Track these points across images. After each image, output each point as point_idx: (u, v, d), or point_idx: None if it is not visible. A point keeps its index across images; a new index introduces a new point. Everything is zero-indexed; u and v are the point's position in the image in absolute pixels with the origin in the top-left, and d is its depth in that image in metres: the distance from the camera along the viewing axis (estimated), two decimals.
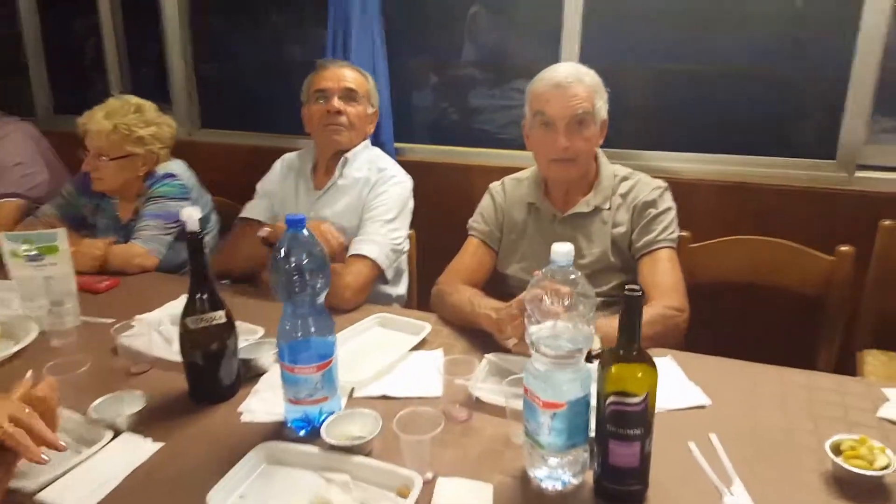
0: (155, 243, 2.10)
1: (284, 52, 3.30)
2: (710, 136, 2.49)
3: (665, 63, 2.59)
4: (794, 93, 2.44)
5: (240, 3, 3.32)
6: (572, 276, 1.04)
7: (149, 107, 2.20)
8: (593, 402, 1.06)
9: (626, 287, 1.00)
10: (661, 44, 2.55)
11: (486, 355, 1.46)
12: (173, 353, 1.53)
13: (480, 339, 1.57)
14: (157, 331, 1.59)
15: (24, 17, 3.57)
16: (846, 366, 2.05)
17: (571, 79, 1.73)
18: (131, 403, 1.29)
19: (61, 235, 1.65)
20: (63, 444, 1.04)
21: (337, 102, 1.94)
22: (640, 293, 0.99)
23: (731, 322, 2.23)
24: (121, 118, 2.10)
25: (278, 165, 2.15)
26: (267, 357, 1.46)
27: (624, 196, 1.81)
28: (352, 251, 1.87)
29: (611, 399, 1.03)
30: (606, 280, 1.79)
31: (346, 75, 1.98)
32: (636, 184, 1.82)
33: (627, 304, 1.01)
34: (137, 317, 1.71)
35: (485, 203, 1.95)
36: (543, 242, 1.83)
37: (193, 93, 3.26)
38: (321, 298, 1.22)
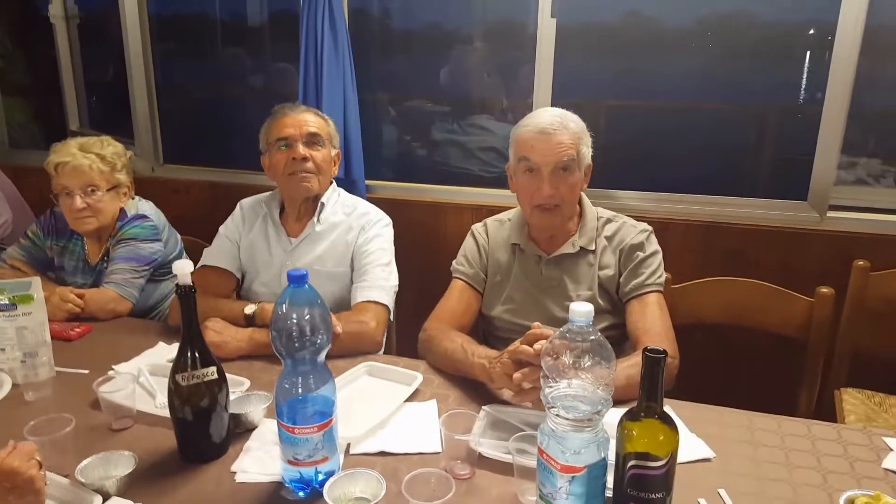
0: (128, 287, 2.02)
1: (244, 85, 3.26)
2: (680, 176, 2.54)
3: (633, 100, 2.65)
4: (765, 133, 2.51)
5: (200, 36, 3.27)
6: (592, 338, 1.02)
7: (110, 138, 2.14)
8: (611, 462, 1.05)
9: (648, 348, 0.99)
10: (630, 80, 2.60)
11: (484, 407, 1.43)
12: (156, 406, 1.47)
13: (473, 388, 1.55)
14: (138, 382, 1.52)
15: None
16: (824, 405, 2.09)
17: (557, 125, 1.73)
18: (119, 465, 1.22)
19: (35, 284, 1.57)
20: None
21: (302, 149, 1.89)
22: (663, 354, 0.98)
23: (709, 363, 2.25)
24: (101, 149, 2.03)
25: (238, 211, 2.07)
26: (257, 412, 1.41)
27: (609, 238, 1.82)
28: (361, 298, 1.84)
29: (632, 462, 1.01)
30: (595, 322, 1.78)
31: (308, 120, 1.93)
32: (621, 226, 1.83)
33: (649, 365, 1.00)
34: (115, 367, 1.65)
35: (468, 245, 1.94)
36: (529, 284, 1.84)
37: (157, 128, 3.18)
38: (322, 355, 1.18)
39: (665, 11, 2.50)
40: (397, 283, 1.93)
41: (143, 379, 1.56)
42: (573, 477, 1.02)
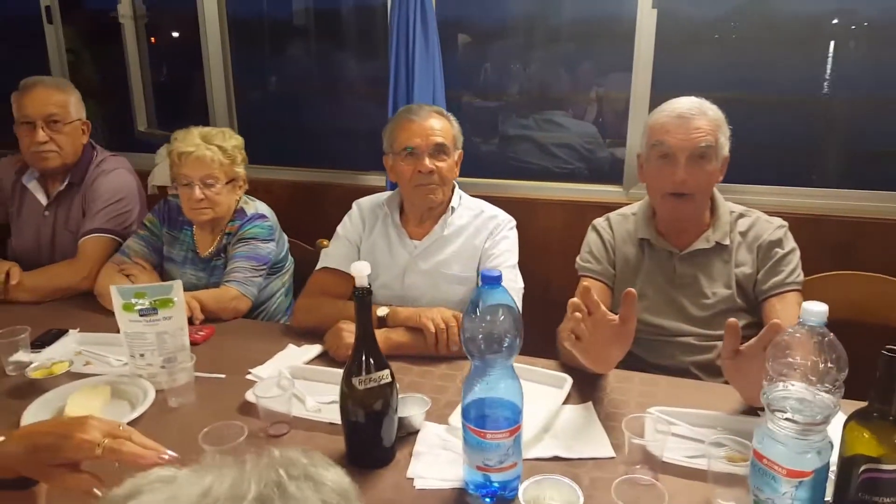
0: (249, 286, 2.02)
1: (317, 84, 3.26)
2: (788, 168, 2.49)
3: (735, 92, 2.59)
4: (877, 126, 2.46)
5: (280, 33, 3.26)
6: (827, 339, 0.98)
7: (229, 130, 2.14)
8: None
9: (887, 347, 0.95)
10: (733, 73, 2.55)
11: (650, 410, 1.39)
12: (308, 410, 1.45)
13: (624, 391, 1.51)
14: (279, 386, 1.49)
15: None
16: None
17: (695, 111, 1.69)
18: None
19: (177, 288, 1.55)
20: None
21: (428, 161, 1.84)
22: None
23: None
24: (223, 141, 2.02)
25: (356, 212, 2.04)
26: (419, 415, 1.38)
27: (744, 234, 1.77)
28: None
29: (864, 466, 0.97)
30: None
31: (434, 128, 1.87)
32: (755, 221, 1.78)
33: (886, 365, 0.96)
34: (252, 370, 1.62)
35: (591, 240, 1.90)
36: (663, 280, 1.79)
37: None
38: (513, 359, 1.14)
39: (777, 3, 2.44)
40: (523, 285, 1.89)
41: (285, 382, 1.53)
42: (800, 482, 0.98)
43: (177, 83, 3.52)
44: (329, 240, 2.31)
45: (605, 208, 2.51)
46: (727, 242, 1.76)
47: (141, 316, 1.53)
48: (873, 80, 2.47)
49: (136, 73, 3.32)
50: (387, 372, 1.25)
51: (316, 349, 1.72)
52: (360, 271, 1.22)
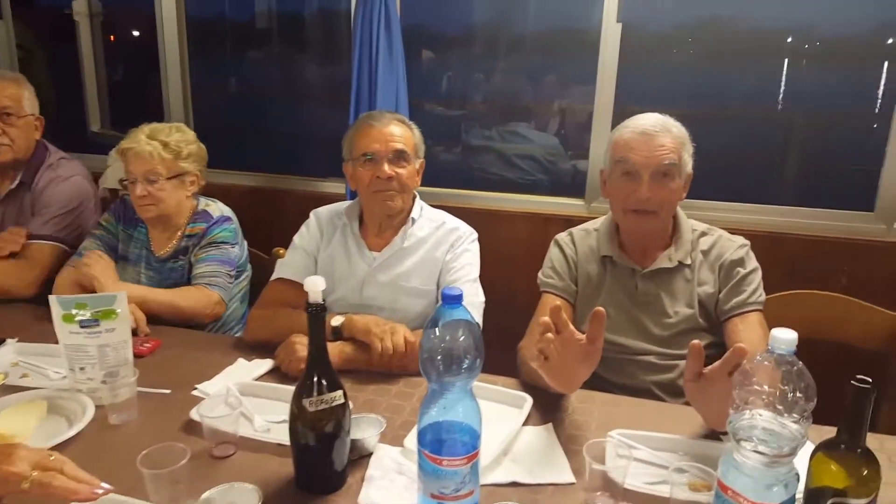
0: (227, 290, 2.00)
1: (273, 87, 3.19)
2: (742, 185, 2.51)
3: (697, 107, 2.60)
4: (831, 143, 2.49)
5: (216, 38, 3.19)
6: (796, 367, 0.95)
7: (181, 125, 2.08)
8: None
9: (857, 378, 0.93)
10: (694, 87, 2.56)
11: (611, 433, 1.35)
12: (256, 430, 1.38)
13: (586, 413, 1.48)
14: (227, 404, 1.42)
15: None
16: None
17: (658, 128, 1.67)
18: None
19: (120, 299, 1.46)
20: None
21: (387, 168, 1.79)
22: (871, 385, 0.92)
23: None
24: (166, 136, 1.96)
25: (314, 221, 1.97)
26: (373, 436, 1.32)
27: (706, 253, 1.76)
28: None
29: (832, 500, 0.95)
30: (692, 341, 1.72)
31: (395, 134, 1.81)
32: (718, 240, 1.77)
33: (856, 397, 0.94)
34: (198, 386, 1.55)
35: (554, 255, 1.87)
36: (624, 298, 1.77)
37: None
38: (473, 381, 1.10)
39: (738, 18, 2.46)
40: (484, 299, 1.85)
41: (232, 400, 1.45)
42: None
43: (132, 83, 3.41)
44: (286, 249, 2.25)
45: (567, 221, 2.51)
46: (689, 261, 1.74)
47: (82, 328, 1.44)
48: (826, 97, 2.51)
49: (90, 73, 3.20)
50: (340, 393, 1.19)
51: (267, 364, 1.66)
52: (315, 286, 1.16)
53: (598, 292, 1.79)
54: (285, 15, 3.41)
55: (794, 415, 0.94)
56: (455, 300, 1.06)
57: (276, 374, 1.63)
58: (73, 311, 1.44)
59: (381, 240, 1.89)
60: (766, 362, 0.97)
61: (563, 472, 1.27)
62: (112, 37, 3.30)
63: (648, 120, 1.70)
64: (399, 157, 1.80)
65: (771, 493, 0.95)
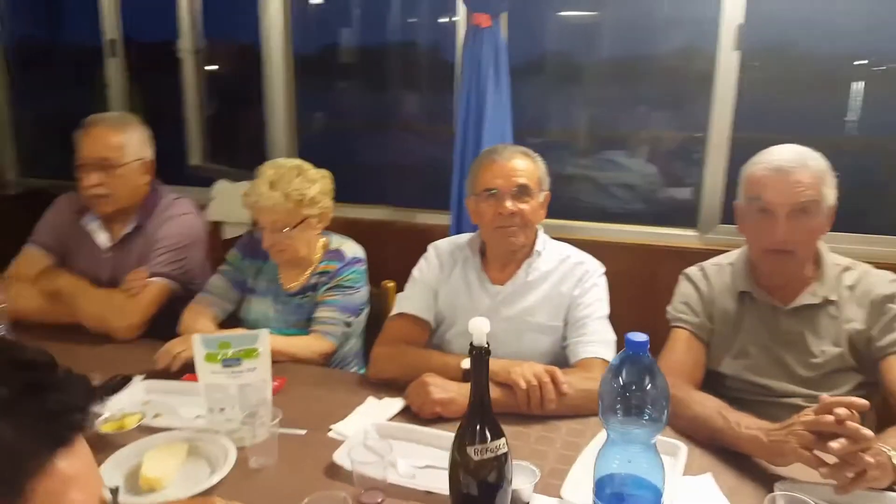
0: (339, 337, 1.99)
1: (387, 119, 3.22)
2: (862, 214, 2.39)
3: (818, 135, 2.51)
4: None
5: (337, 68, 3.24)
6: None
7: (304, 164, 2.06)
8: None
9: None
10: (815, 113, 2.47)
11: (778, 485, 1.27)
12: (401, 476, 1.34)
13: (741, 458, 1.39)
14: (372, 449, 1.38)
15: None
16: None
17: (794, 163, 1.58)
18: None
19: (262, 337, 1.46)
20: None
21: (510, 204, 1.74)
22: None
23: None
24: (287, 184, 1.95)
25: (433, 255, 1.95)
26: (528, 487, 1.26)
27: (851, 288, 1.66)
28: (585, 354, 1.71)
29: None
30: (843, 382, 1.62)
31: (517, 169, 1.78)
32: (864, 275, 1.67)
33: None
34: (333, 427, 1.52)
35: (685, 290, 1.79)
36: (766, 337, 1.67)
37: None
38: (657, 434, 1.03)
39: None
40: (616, 338, 1.78)
41: (373, 443, 1.42)
42: None
43: (228, 116, 3.49)
44: (393, 281, 2.24)
45: (678, 253, 2.44)
46: (834, 297, 1.64)
47: (224, 367, 1.43)
48: None
49: (192, 108, 3.28)
50: (503, 441, 1.14)
51: (398, 403, 1.62)
52: (479, 328, 1.12)
53: (736, 330, 1.71)
54: (377, 48, 3.46)
55: None
56: (641, 347, 1.01)
57: (406, 414, 1.59)
58: (217, 351, 1.43)
59: (503, 274, 1.85)
60: None
61: None
62: (210, 69, 3.38)
63: (784, 154, 1.61)
64: (522, 191, 1.77)
65: None
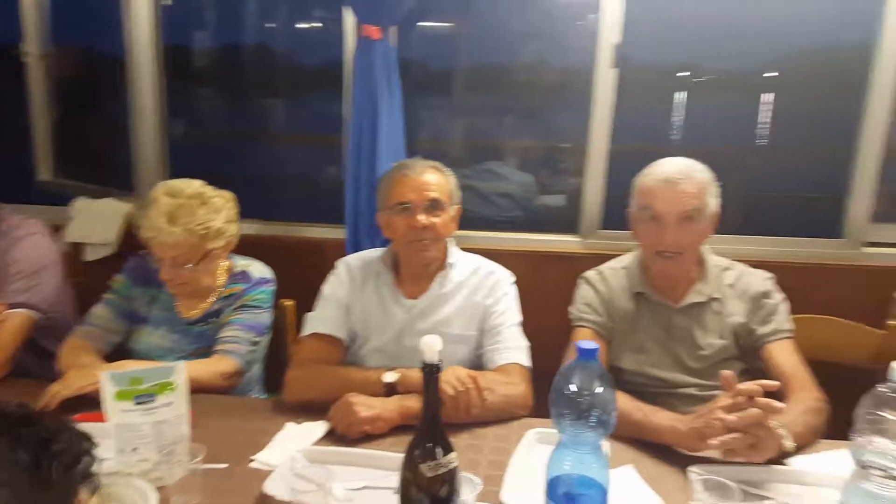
0: (247, 359, 1.87)
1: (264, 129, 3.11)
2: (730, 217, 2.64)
3: (684, 144, 2.74)
4: (800, 173, 2.67)
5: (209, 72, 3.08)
6: None
7: (206, 190, 1.90)
8: None
9: None
10: (679, 124, 2.70)
11: (692, 469, 1.38)
12: (338, 501, 1.31)
13: (649, 448, 1.50)
14: (297, 475, 1.34)
15: None
16: None
17: (681, 175, 1.74)
18: None
19: (178, 370, 1.37)
20: None
21: (422, 217, 1.77)
22: None
23: None
24: (189, 218, 1.79)
25: (343, 271, 1.92)
26: (471, 498, 1.28)
27: (732, 286, 1.84)
28: (503, 360, 1.75)
29: None
30: (729, 370, 1.77)
31: (430, 183, 1.80)
32: (742, 273, 1.86)
33: None
34: (255, 457, 1.46)
35: (586, 293, 1.90)
36: (661, 333, 1.82)
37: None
38: (605, 436, 1.09)
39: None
40: (528, 343, 1.85)
41: (301, 469, 1.38)
42: None
43: (81, 127, 3.20)
44: (291, 300, 2.17)
45: (564, 258, 2.57)
46: (718, 295, 1.82)
47: (137, 404, 1.33)
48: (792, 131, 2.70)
49: (39, 117, 2.98)
50: (455, 455, 1.15)
51: (321, 427, 1.58)
52: (431, 346, 1.13)
53: (634, 327, 1.84)
54: (241, 51, 3.32)
55: None
56: (590, 354, 1.07)
57: (331, 436, 1.55)
58: (129, 388, 1.33)
59: (417, 287, 1.86)
60: (890, 394, 1.02)
61: None
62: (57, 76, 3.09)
63: (672, 167, 1.76)
64: (435, 205, 1.79)
65: None
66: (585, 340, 1.09)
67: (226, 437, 1.54)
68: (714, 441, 1.35)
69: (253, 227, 2.78)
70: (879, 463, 1.01)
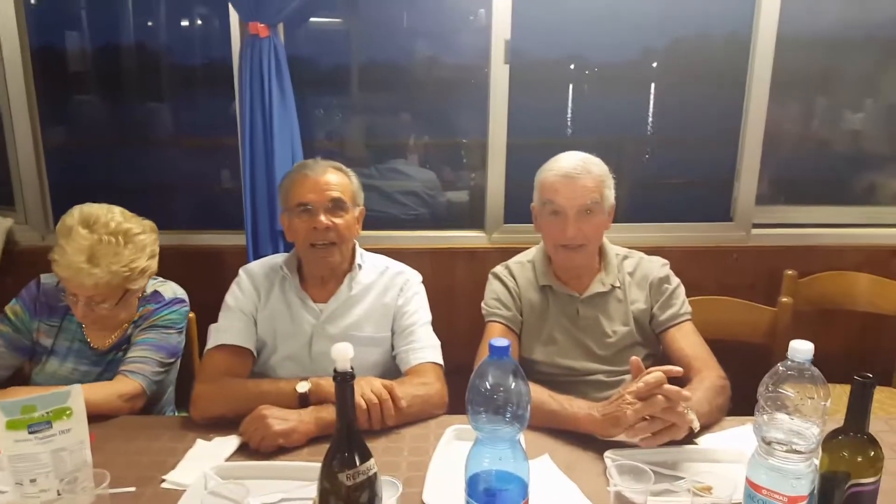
0: (153, 381, 1.75)
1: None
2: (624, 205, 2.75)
3: (579, 136, 2.82)
4: (689, 161, 2.80)
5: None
6: (814, 374, 1.08)
7: (131, 225, 1.75)
8: None
9: (860, 374, 1.08)
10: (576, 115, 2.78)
11: (607, 454, 1.43)
12: None
13: (562, 436, 1.54)
14: (212, 493, 1.30)
15: None
16: None
17: (580, 170, 1.80)
18: None
19: (75, 394, 1.28)
20: None
21: (324, 218, 1.73)
22: (872, 379, 1.07)
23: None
24: (113, 259, 1.67)
25: (245, 279, 1.85)
26: (392, 500, 1.28)
27: (631, 274, 1.91)
28: (417, 360, 1.75)
29: (851, 482, 1.09)
30: (633, 356, 1.84)
31: (330, 183, 1.76)
32: (640, 261, 1.93)
33: (859, 390, 1.08)
34: (166, 477, 1.40)
35: (496, 288, 1.92)
36: (568, 324, 1.87)
37: (46, 190, 2.73)
38: (521, 431, 1.11)
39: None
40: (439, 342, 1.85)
41: (215, 486, 1.33)
42: None
43: None
44: (191, 312, 2.09)
45: (470, 253, 2.60)
46: (619, 284, 1.89)
47: (31, 433, 1.24)
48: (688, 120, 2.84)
49: None
50: (373, 461, 1.14)
51: (233, 442, 1.52)
52: (343, 354, 1.10)
53: (542, 319, 1.88)
54: (117, 52, 3.13)
55: (817, 415, 1.07)
56: (503, 351, 1.08)
57: (244, 451, 1.51)
58: (21, 417, 1.24)
59: (325, 291, 1.83)
60: (789, 371, 1.09)
61: (576, 500, 1.31)
62: None
63: (570, 162, 1.82)
64: (337, 206, 1.76)
65: (801, 486, 1.07)
66: (498, 338, 1.09)
67: (131, 460, 1.47)
68: (628, 428, 1.40)
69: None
70: (781, 438, 1.08)
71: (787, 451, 1.07)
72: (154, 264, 1.80)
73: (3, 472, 1.27)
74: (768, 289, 2.53)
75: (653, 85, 2.91)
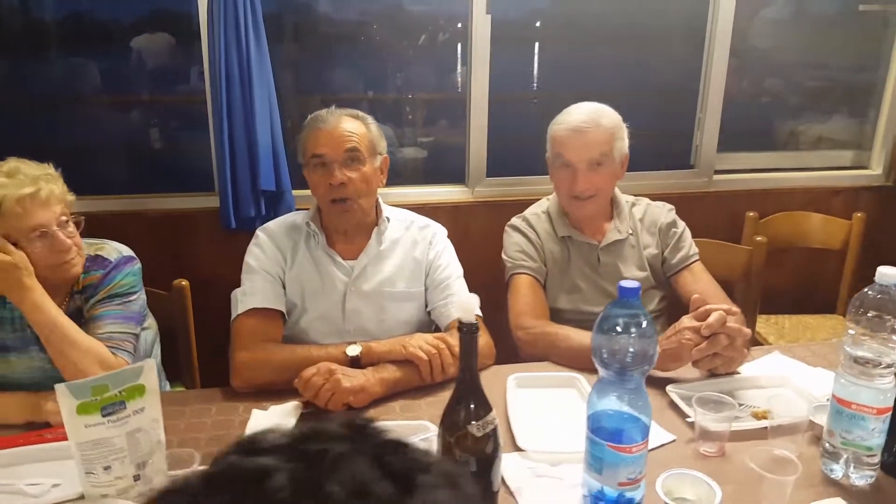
0: (130, 353, 1.56)
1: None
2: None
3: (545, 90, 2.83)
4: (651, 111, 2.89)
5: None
6: None
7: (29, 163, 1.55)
8: None
9: None
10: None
11: (669, 388, 1.49)
12: None
13: None
14: None
15: None
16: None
17: (590, 123, 1.82)
18: None
19: (147, 370, 1.17)
20: None
21: (339, 173, 1.64)
22: None
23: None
24: (43, 173, 1.51)
25: (266, 239, 1.73)
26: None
27: (641, 220, 1.97)
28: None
29: None
30: (650, 299, 1.93)
31: (345, 133, 1.65)
32: (647, 207, 1.99)
33: None
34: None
35: (518, 240, 1.93)
36: (590, 272, 1.91)
37: None
38: (646, 374, 1.13)
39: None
40: None
41: None
42: (886, 417, 1.18)
43: None
44: (185, 280, 1.97)
45: (455, 208, 2.58)
46: (632, 231, 1.94)
47: (104, 416, 1.13)
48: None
49: None
50: (494, 412, 1.14)
51: (291, 408, 1.46)
52: (469, 306, 1.08)
53: (565, 269, 1.91)
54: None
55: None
56: (633, 293, 1.09)
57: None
58: (92, 399, 1.12)
59: (352, 246, 1.75)
60: (879, 295, 1.17)
61: (659, 435, 1.36)
62: None
63: (580, 116, 1.83)
64: (352, 157, 1.66)
65: (887, 399, 1.18)
66: (628, 280, 1.10)
67: (187, 437, 1.38)
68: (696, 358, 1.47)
69: (104, 204, 2.44)
70: (870, 357, 1.17)
71: (878, 368, 1.16)
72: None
73: (59, 461, 1.15)
74: (731, 231, 2.68)
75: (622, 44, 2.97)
